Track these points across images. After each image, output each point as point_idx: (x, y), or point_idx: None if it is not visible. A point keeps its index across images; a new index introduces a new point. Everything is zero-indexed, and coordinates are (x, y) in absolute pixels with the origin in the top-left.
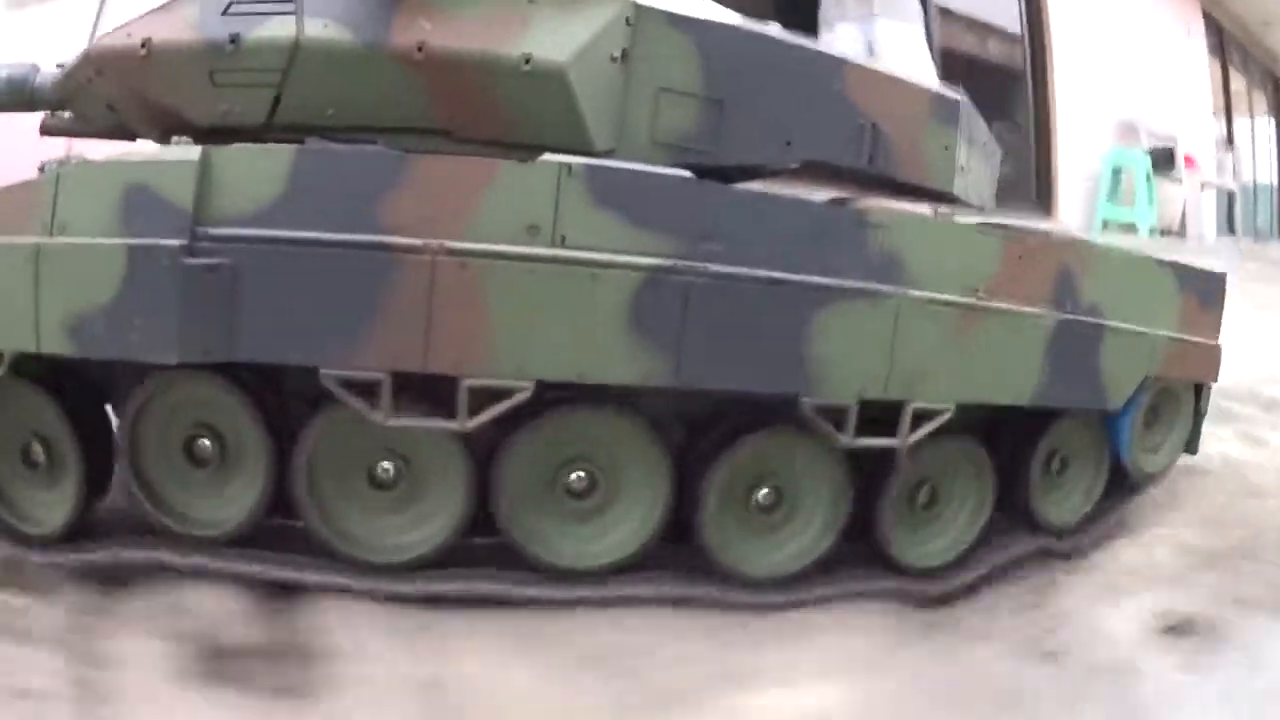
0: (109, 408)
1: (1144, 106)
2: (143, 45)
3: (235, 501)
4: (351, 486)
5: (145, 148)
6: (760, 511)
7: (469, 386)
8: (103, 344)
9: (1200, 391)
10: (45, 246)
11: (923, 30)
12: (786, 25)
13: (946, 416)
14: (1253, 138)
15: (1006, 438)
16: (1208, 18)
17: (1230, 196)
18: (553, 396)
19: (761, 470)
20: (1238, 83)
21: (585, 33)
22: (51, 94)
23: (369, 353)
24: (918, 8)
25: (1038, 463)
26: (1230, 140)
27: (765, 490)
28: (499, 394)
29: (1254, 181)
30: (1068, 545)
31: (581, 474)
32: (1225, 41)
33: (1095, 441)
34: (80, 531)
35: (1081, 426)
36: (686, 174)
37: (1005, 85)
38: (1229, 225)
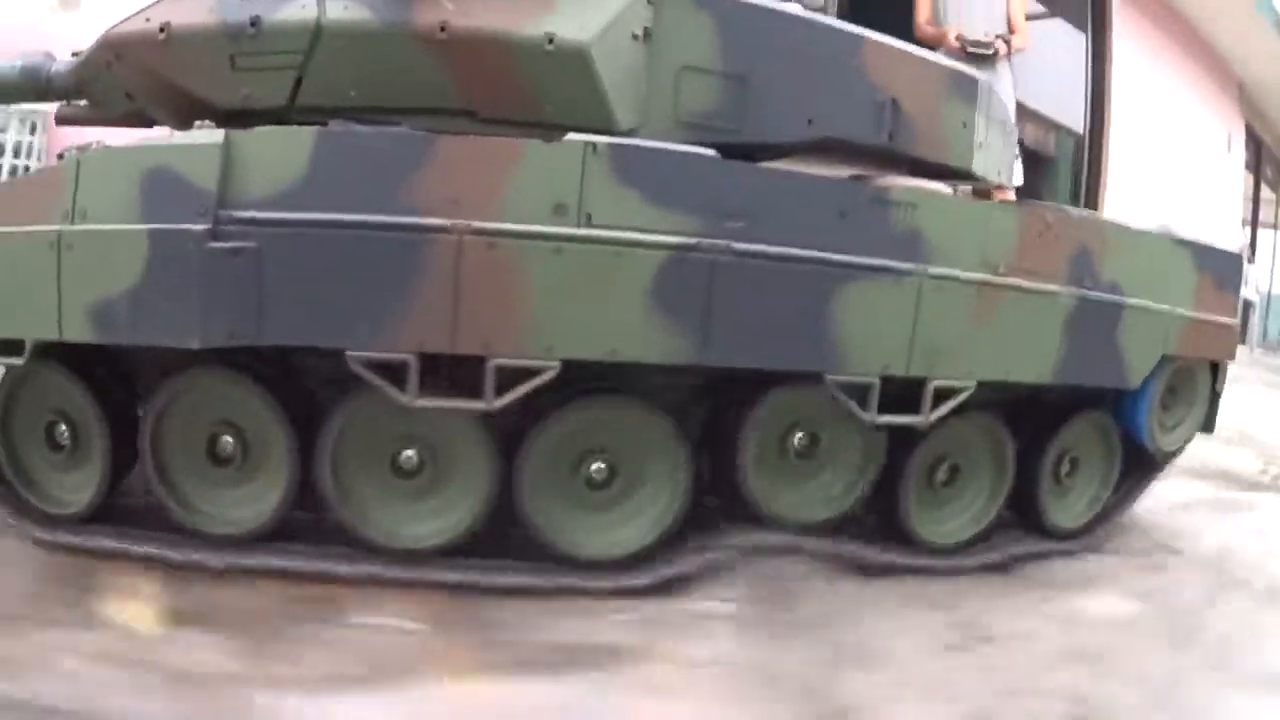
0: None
1: (1179, 211)
2: (161, 30)
3: (258, 498)
4: (376, 474)
5: (163, 133)
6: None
7: (496, 366)
8: (126, 329)
9: (1217, 370)
10: (66, 234)
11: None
12: None
13: (968, 394)
14: (1274, 250)
15: (1022, 429)
16: (1249, 131)
17: (1248, 306)
18: (578, 384)
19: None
20: (1267, 194)
21: (608, 11)
22: (67, 82)
23: (396, 334)
24: None
25: (1047, 465)
26: (1253, 251)
27: (800, 435)
28: (526, 374)
29: (1269, 292)
30: (1076, 546)
31: (602, 465)
32: (1263, 155)
33: (1105, 442)
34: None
35: (1092, 427)
36: (710, 152)
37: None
38: (1241, 334)
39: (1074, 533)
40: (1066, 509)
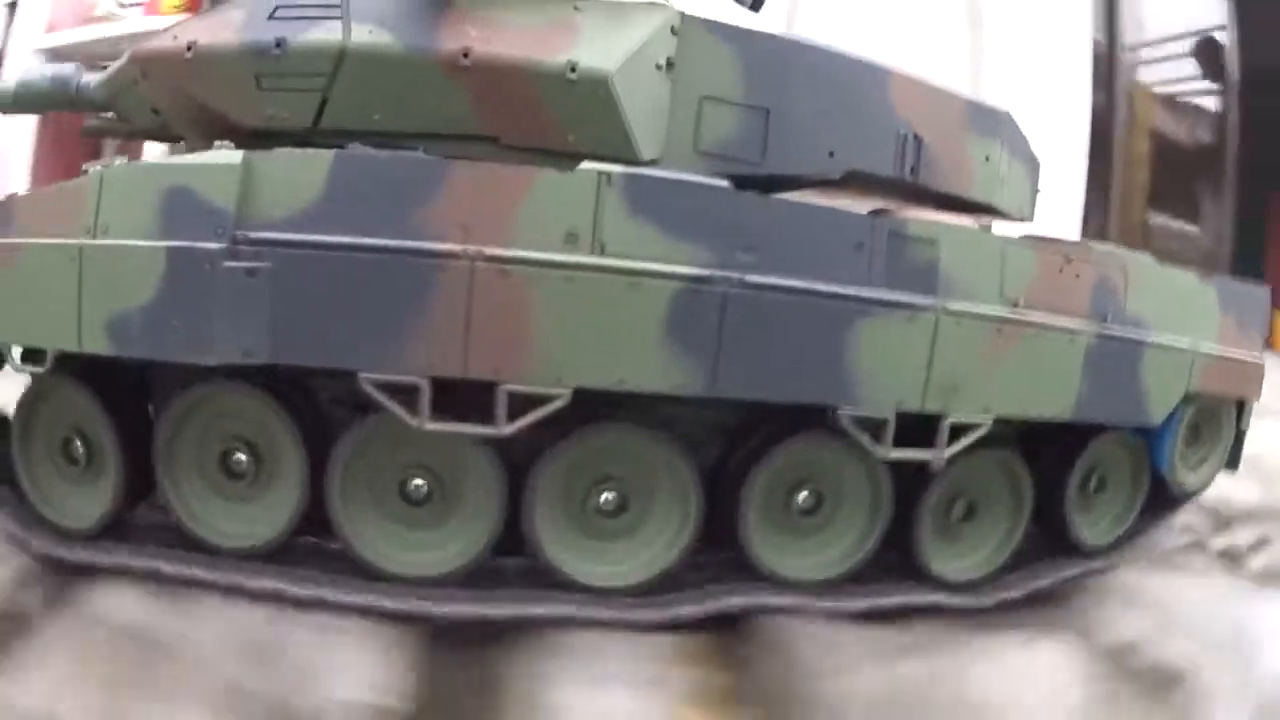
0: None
1: None
2: (188, 48)
3: (269, 515)
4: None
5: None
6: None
7: (508, 392)
8: (142, 344)
9: (1242, 408)
10: (87, 248)
11: None
12: None
13: (984, 430)
14: None
15: (1045, 454)
16: None
17: None
18: (586, 413)
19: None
20: None
21: (631, 41)
22: (95, 95)
23: (408, 358)
24: None
25: (1075, 482)
26: None
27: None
28: (537, 400)
29: None
30: (1103, 565)
31: (612, 494)
32: None
33: (1134, 461)
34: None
35: (1120, 445)
36: (724, 183)
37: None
38: None
39: (1101, 550)
40: (1093, 525)
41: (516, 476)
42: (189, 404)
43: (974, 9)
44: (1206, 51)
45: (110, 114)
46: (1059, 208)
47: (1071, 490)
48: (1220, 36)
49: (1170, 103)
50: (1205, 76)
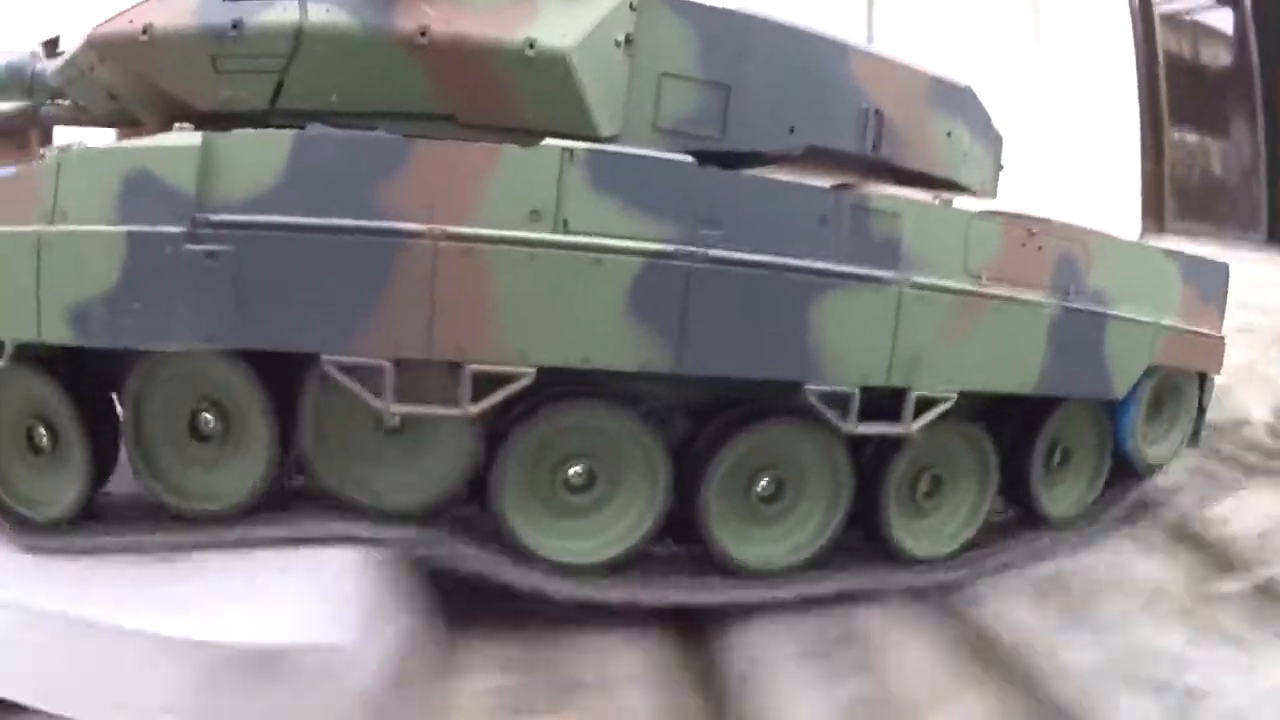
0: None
1: None
2: (144, 31)
3: (240, 474)
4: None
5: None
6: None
7: (472, 372)
8: (104, 332)
9: (1204, 383)
10: (46, 235)
11: None
12: None
13: (949, 404)
14: None
15: (1009, 427)
16: None
17: None
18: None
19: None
20: None
21: (589, 18)
22: (52, 81)
23: (372, 339)
24: None
25: (1039, 455)
26: None
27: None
28: (502, 379)
29: None
30: (1072, 537)
31: (579, 469)
32: None
33: (1098, 433)
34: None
35: (1083, 417)
36: (687, 159)
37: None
38: None
39: (1069, 521)
40: (1059, 498)
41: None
42: (151, 370)
43: None
44: None
45: (66, 101)
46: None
47: (1036, 464)
48: None
49: (1184, 23)
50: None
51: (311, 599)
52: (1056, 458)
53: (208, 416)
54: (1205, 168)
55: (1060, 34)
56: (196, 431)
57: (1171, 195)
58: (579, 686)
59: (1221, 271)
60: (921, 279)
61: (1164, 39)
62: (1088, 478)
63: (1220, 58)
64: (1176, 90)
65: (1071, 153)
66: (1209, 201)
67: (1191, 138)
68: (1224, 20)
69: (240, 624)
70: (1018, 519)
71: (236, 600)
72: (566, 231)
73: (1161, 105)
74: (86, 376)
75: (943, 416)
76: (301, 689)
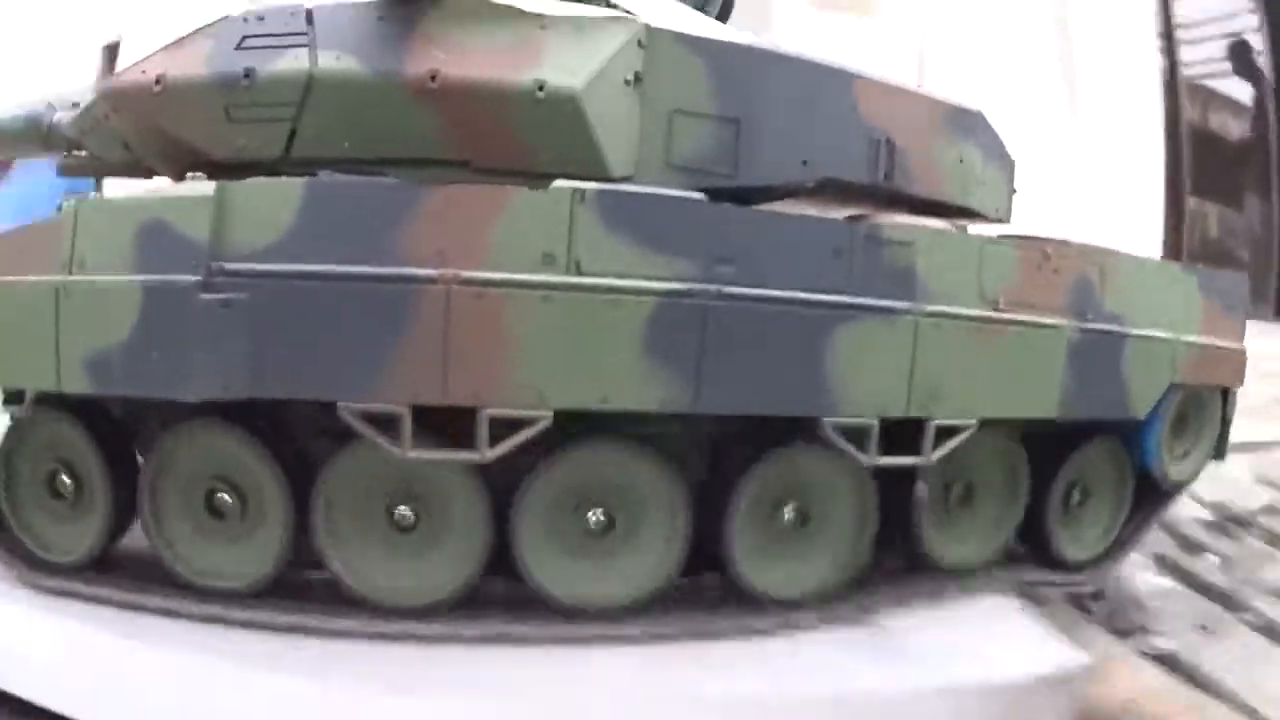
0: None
1: None
2: (157, 81)
3: (257, 554)
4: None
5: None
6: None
7: (489, 417)
8: (122, 381)
9: (1227, 397)
10: (64, 285)
11: None
12: None
13: (970, 432)
14: None
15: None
16: None
17: None
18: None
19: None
20: None
21: (598, 57)
22: (68, 132)
23: (387, 386)
24: None
25: (1057, 495)
26: None
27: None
28: (519, 424)
29: None
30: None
31: (599, 514)
32: None
33: (1117, 470)
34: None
35: (1103, 456)
36: (699, 196)
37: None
38: None
39: (1086, 564)
40: (1077, 539)
41: (502, 499)
42: (170, 447)
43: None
44: (1239, 53)
45: (83, 152)
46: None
47: (1054, 502)
48: (1252, 39)
49: (1206, 94)
50: (1239, 75)
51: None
52: (1075, 498)
53: (224, 496)
54: (1217, 236)
55: (1094, 105)
56: (212, 509)
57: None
58: None
59: (1240, 283)
60: (937, 307)
61: (1187, 110)
62: (1105, 522)
63: (1238, 129)
64: (1197, 160)
65: (1101, 219)
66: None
67: (1208, 206)
68: (1244, 92)
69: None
70: None
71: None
72: (580, 273)
73: (1183, 174)
74: (111, 425)
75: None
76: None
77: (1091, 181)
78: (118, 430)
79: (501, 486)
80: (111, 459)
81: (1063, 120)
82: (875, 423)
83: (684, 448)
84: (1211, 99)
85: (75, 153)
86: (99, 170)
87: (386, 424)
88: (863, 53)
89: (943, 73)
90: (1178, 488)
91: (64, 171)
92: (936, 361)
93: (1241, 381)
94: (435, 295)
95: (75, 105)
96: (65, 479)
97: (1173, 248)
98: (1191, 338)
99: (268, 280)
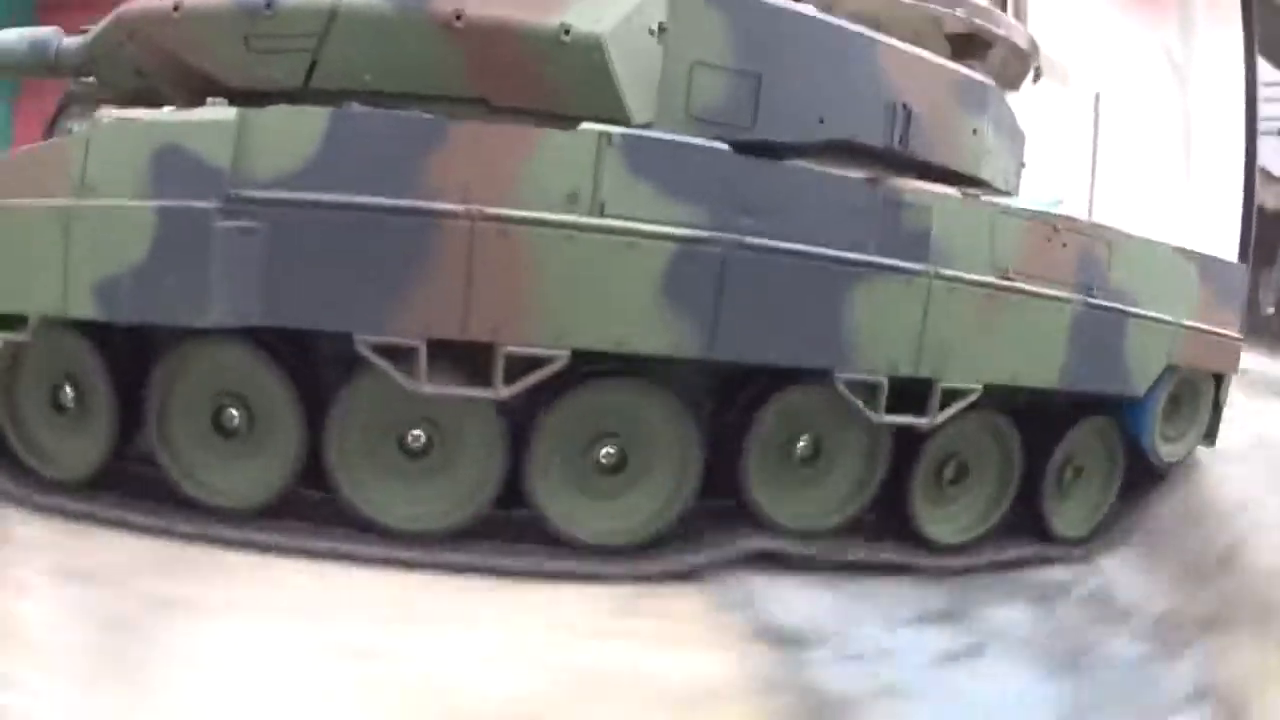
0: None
1: None
2: (175, 8)
3: (265, 473)
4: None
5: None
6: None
7: (506, 354)
8: (132, 307)
9: (1220, 382)
10: (74, 208)
11: None
12: None
13: (974, 397)
14: None
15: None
16: None
17: None
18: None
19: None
20: None
21: (624, 5)
22: (77, 58)
23: (406, 319)
24: None
25: (1051, 473)
26: None
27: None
28: (535, 362)
29: None
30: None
31: (611, 450)
32: None
33: (1109, 451)
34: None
35: (1096, 435)
36: (724, 146)
37: None
38: None
39: (1078, 540)
40: (1068, 516)
41: (517, 431)
42: (180, 361)
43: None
44: None
45: (91, 78)
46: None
47: (1049, 479)
48: None
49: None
50: None
51: None
52: (1068, 475)
53: (233, 412)
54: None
55: (1208, 173)
56: (221, 427)
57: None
58: None
59: (1239, 274)
60: (950, 271)
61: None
62: (1096, 499)
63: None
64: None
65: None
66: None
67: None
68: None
69: None
70: None
71: None
72: (603, 215)
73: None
74: (121, 338)
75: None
76: None
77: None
78: (125, 343)
79: (515, 421)
80: (117, 371)
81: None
82: (885, 380)
83: (698, 388)
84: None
85: (83, 79)
86: (107, 98)
87: (402, 357)
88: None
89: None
90: (1167, 467)
91: (70, 98)
92: (946, 324)
93: (1236, 369)
94: (459, 230)
95: (84, 30)
96: (69, 391)
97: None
98: (1190, 321)
99: (289, 209)
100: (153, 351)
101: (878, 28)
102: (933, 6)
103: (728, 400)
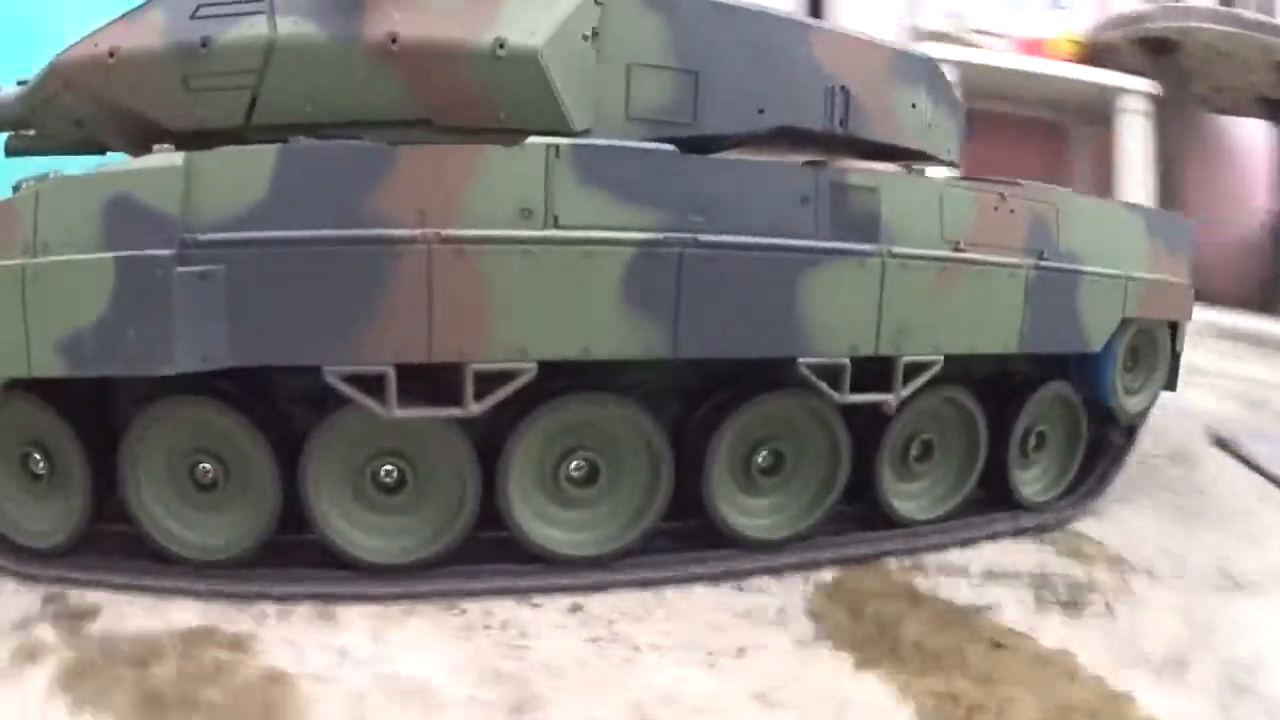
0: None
1: None
2: (110, 54)
3: (241, 523)
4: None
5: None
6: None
7: (474, 372)
8: (96, 361)
9: (1176, 331)
10: (29, 267)
11: None
12: None
13: (936, 369)
14: None
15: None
16: None
17: None
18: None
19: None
20: None
21: (557, 14)
22: (13, 112)
23: (372, 346)
24: None
25: (1015, 441)
26: None
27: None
28: (503, 377)
29: None
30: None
31: (582, 462)
32: None
33: (1070, 414)
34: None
35: (1056, 400)
36: (670, 148)
37: None
38: None
39: (1044, 505)
40: (1033, 483)
41: (487, 452)
42: (149, 420)
43: None
44: None
45: (31, 131)
46: None
47: (1013, 447)
48: None
49: None
50: None
51: None
52: (1032, 442)
53: (207, 466)
54: None
55: None
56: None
57: None
58: None
59: (1185, 228)
60: (902, 249)
61: None
62: (1060, 465)
63: None
64: None
65: None
66: None
67: None
68: None
69: None
70: None
71: None
72: (558, 227)
73: None
74: (83, 401)
75: (932, 383)
76: None
77: None
78: (89, 409)
79: (486, 444)
80: (86, 437)
81: None
82: (847, 361)
83: (662, 395)
84: None
85: (22, 131)
86: (49, 150)
87: (371, 385)
88: None
89: None
90: (1133, 421)
91: (9, 152)
92: (903, 301)
93: (1189, 316)
94: (416, 255)
95: (20, 83)
96: (38, 458)
97: None
98: (1141, 273)
99: (245, 249)
100: (119, 415)
101: None
102: None
103: (691, 411)
